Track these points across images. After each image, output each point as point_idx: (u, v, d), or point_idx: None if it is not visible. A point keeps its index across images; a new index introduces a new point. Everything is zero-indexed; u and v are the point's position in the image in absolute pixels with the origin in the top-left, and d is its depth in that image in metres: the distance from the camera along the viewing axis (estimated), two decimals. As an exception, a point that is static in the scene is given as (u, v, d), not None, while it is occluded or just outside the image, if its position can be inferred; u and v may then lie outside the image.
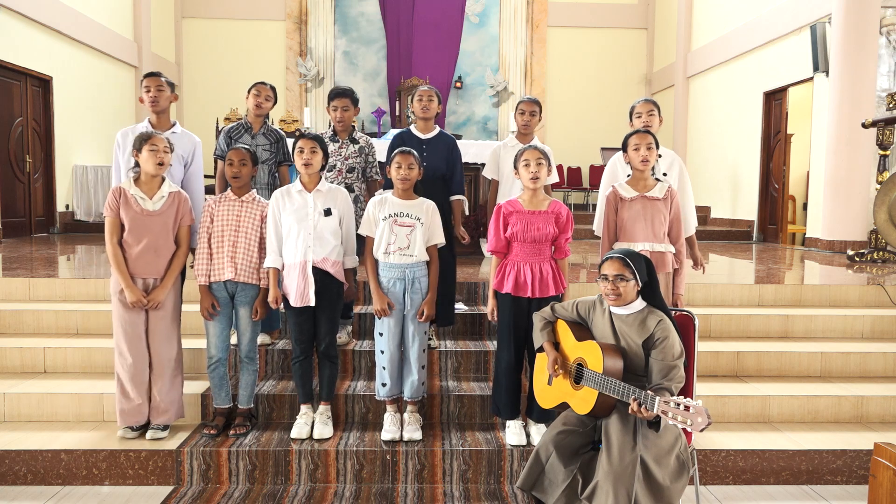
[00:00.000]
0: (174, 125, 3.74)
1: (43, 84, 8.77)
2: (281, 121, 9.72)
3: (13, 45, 8.03)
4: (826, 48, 7.75)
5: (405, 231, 3.32)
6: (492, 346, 4.10)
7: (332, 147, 3.96)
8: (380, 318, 3.37)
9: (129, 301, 3.25)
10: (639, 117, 3.66)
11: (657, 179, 3.42)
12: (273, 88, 4.13)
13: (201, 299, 3.37)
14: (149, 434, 3.35)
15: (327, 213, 3.35)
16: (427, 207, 3.38)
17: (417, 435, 3.37)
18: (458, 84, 12.96)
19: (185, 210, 3.38)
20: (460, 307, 4.51)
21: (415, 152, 3.38)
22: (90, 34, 9.72)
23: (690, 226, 3.73)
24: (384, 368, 3.38)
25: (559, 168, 12.18)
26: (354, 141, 4.02)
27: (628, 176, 3.45)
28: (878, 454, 2.45)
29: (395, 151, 3.38)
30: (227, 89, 12.17)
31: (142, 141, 3.24)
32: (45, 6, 8.56)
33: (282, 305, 3.45)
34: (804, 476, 3.34)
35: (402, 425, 3.42)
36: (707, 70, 11.02)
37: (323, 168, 3.44)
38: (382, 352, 3.38)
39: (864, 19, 7.26)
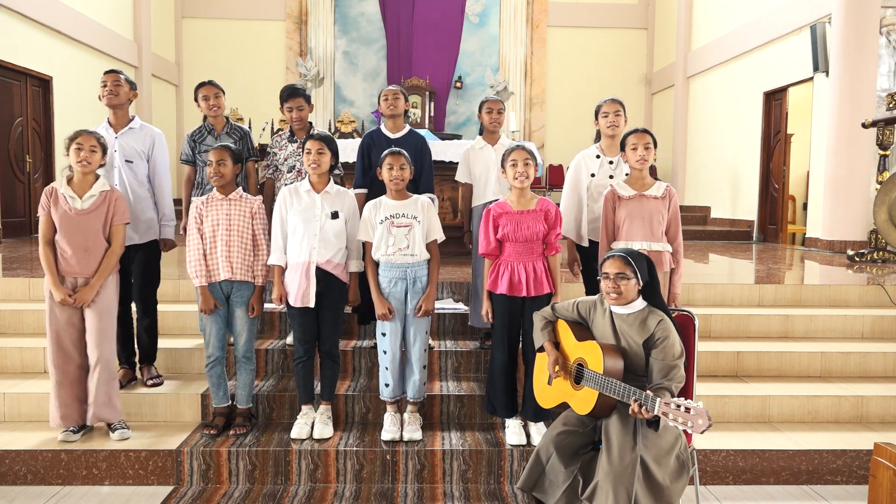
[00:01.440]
0: (132, 120, 3.72)
1: (43, 84, 8.77)
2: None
3: (13, 45, 8.03)
4: (826, 48, 7.75)
5: (403, 231, 3.32)
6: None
7: (290, 148, 3.97)
8: (383, 321, 3.37)
9: (56, 300, 3.23)
10: (605, 117, 3.62)
11: (655, 178, 3.41)
12: (216, 84, 4.03)
13: (203, 301, 3.36)
14: (115, 435, 3.32)
15: (334, 215, 3.35)
16: (422, 204, 3.38)
17: (417, 435, 3.37)
18: (458, 84, 12.96)
19: (119, 209, 3.33)
20: (459, 307, 4.51)
21: (405, 152, 3.37)
22: (90, 34, 9.72)
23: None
24: (387, 369, 3.38)
25: (559, 168, 12.18)
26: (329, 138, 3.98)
27: (611, 178, 3.45)
28: (878, 454, 2.45)
29: (386, 153, 3.37)
30: (227, 89, 12.02)
31: (69, 140, 3.25)
32: (45, 6, 8.55)
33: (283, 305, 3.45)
34: (804, 476, 3.34)
35: (402, 425, 3.42)
36: (707, 70, 11.02)
37: (332, 169, 3.44)
38: (385, 352, 3.38)
39: (864, 19, 7.26)
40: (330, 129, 10.02)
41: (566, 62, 13.13)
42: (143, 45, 11.28)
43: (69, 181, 3.30)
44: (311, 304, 3.32)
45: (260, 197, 3.53)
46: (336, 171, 4.07)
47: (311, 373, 3.46)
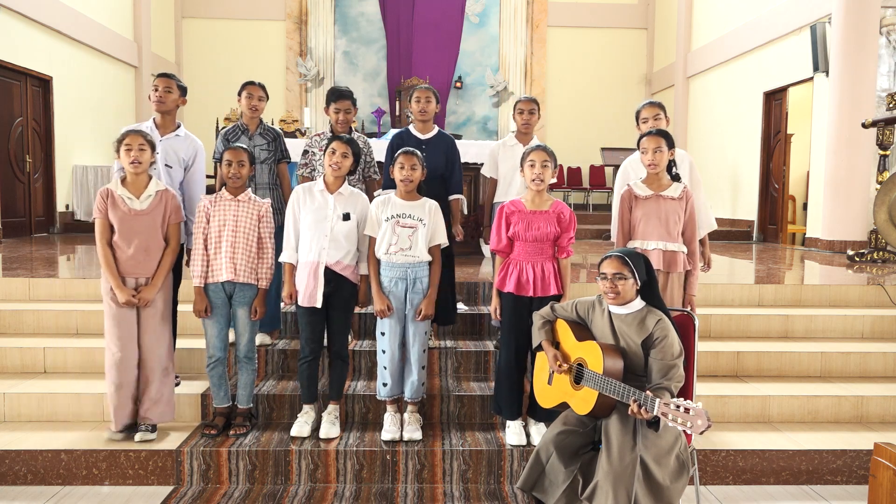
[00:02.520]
0: (178, 127, 3.73)
1: (43, 84, 8.77)
2: (281, 121, 9.72)
3: (13, 45, 8.03)
4: (826, 48, 7.75)
5: (407, 232, 3.32)
6: (492, 346, 4.10)
7: None
8: (381, 319, 3.37)
9: (120, 301, 3.24)
10: (645, 122, 3.65)
11: (673, 179, 3.39)
12: (263, 87, 4.07)
13: (195, 301, 3.36)
14: (137, 436, 3.32)
15: (346, 217, 3.35)
16: (430, 208, 3.38)
17: (417, 435, 3.37)
18: (458, 84, 12.96)
19: (174, 207, 3.36)
20: (461, 307, 4.52)
21: (418, 152, 3.38)
22: (90, 34, 9.72)
23: (703, 225, 3.65)
24: (385, 368, 3.38)
25: (560, 168, 12.17)
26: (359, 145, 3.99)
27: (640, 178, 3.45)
28: (878, 454, 2.45)
29: (399, 152, 3.37)
30: (227, 89, 12.09)
31: (118, 142, 3.25)
32: (45, 6, 8.56)
33: (290, 304, 3.46)
34: (804, 476, 3.34)
35: (402, 425, 3.42)
36: (707, 70, 11.02)
37: (352, 173, 3.45)
38: (384, 351, 3.38)
39: (864, 19, 7.26)
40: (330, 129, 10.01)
41: (566, 62, 13.13)
42: (143, 45, 11.28)
43: (123, 182, 3.30)
44: (318, 305, 3.32)
45: (268, 200, 3.52)
46: (375, 176, 4.07)
47: (315, 373, 3.46)
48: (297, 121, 9.92)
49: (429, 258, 3.38)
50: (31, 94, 8.54)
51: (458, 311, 4.36)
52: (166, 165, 3.65)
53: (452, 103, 13.01)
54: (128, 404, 3.33)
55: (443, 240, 3.42)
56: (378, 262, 3.38)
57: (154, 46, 11.68)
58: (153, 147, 3.32)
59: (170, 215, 3.35)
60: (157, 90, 3.63)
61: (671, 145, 3.28)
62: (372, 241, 3.38)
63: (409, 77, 12.21)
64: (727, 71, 10.43)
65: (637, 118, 3.72)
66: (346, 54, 13.00)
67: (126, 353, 3.29)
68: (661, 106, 3.69)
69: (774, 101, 9.18)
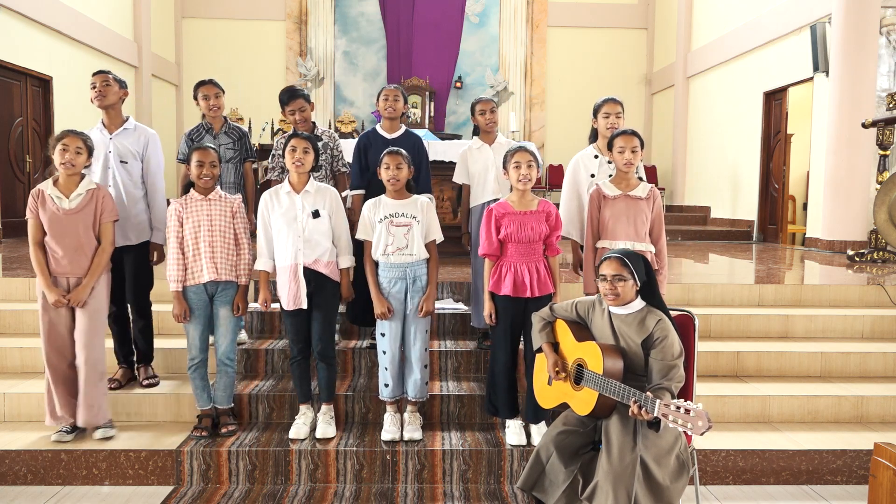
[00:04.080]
0: (126, 121, 3.67)
1: (43, 84, 8.77)
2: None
3: (13, 45, 8.03)
4: (826, 48, 7.75)
5: (402, 231, 3.31)
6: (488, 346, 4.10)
7: None
8: (382, 320, 3.37)
9: (49, 301, 3.22)
10: (606, 117, 3.62)
11: (640, 179, 3.43)
12: (216, 83, 4.00)
13: (174, 306, 3.32)
14: (97, 433, 3.30)
15: (315, 214, 3.32)
16: (422, 205, 3.38)
17: (418, 435, 3.37)
18: (458, 84, 12.96)
19: (107, 206, 3.31)
20: (459, 307, 4.51)
21: (403, 151, 3.35)
22: (90, 34, 9.72)
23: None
24: (386, 369, 3.38)
25: (559, 168, 12.17)
26: (318, 138, 3.94)
27: (609, 176, 3.46)
28: (878, 454, 2.45)
29: (384, 152, 3.36)
30: (227, 89, 12.00)
31: (56, 140, 3.23)
32: (44, 6, 8.56)
33: (277, 307, 3.44)
34: (804, 476, 3.34)
35: (401, 425, 3.42)
36: (707, 70, 11.02)
37: (314, 169, 3.42)
38: (384, 352, 3.38)
39: (864, 19, 7.26)
40: (330, 128, 10.01)
41: (566, 62, 13.13)
42: (143, 45, 11.27)
43: (55, 182, 3.28)
44: (304, 306, 3.32)
45: (239, 196, 3.49)
46: (344, 170, 4.06)
47: (306, 372, 3.45)
48: (296, 121, 9.90)
49: (426, 255, 3.37)
50: (31, 94, 8.54)
51: (458, 312, 4.35)
52: (121, 162, 3.60)
53: (452, 103, 13.01)
54: (65, 403, 3.30)
55: (437, 235, 3.41)
56: (375, 264, 3.37)
57: (154, 46, 11.67)
58: (90, 152, 3.30)
59: (101, 214, 3.29)
60: (94, 87, 3.56)
61: (643, 146, 3.31)
62: (368, 245, 3.37)
63: (409, 77, 12.20)
64: (727, 71, 10.42)
65: (596, 112, 3.68)
66: (346, 54, 13.00)
67: (59, 358, 3.26)
68: (622, 104, 3.67)
69: (774, 101, 9.18)
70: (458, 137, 10.09)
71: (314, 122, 4.07)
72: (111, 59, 10.46)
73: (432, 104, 12.13)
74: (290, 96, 3.92)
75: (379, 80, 12.95)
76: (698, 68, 11.28)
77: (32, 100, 8.56)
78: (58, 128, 9.00)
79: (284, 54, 12.88)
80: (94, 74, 3.61)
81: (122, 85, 3.68)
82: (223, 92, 4.03)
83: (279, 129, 9.21)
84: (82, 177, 3.30)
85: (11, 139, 8.15)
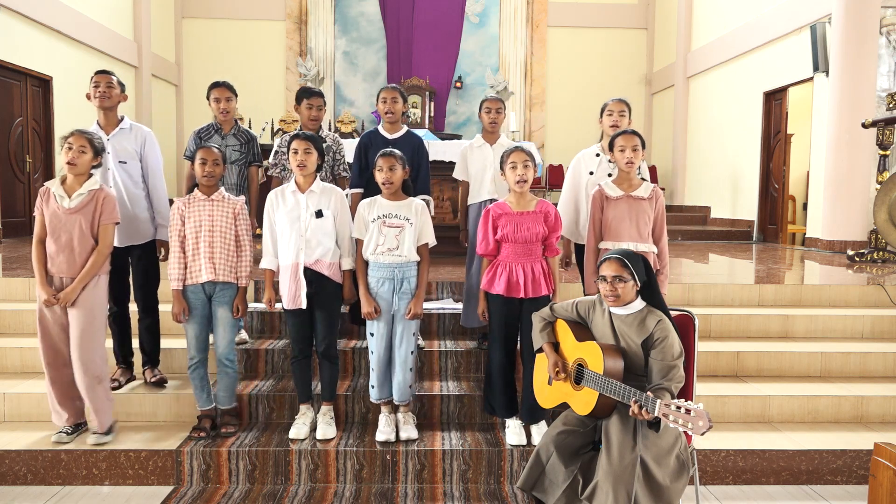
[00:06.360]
0: (122, 121, 3.67)
1: (43, 84, 8.77)
2: (281, 121, 9.72)
3: (13, 45, 8.03)
4: (826, 48, 7.75)
5: (394, 232, 3.31)
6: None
7: None
8: (369, 320, 3.37)
9: (40, 299, 3.22)
10: (609, 115, 3.66)
11: (642, 179, 3.43)
12: (230, 87, 4.02)
13: (173, 305, 3.33)
14: (91, 439, 3.28)
15: (318, 214, 3.32)
16: (416, 207, 3.37)
17: (414, 434, 3.37)
18: (458, 84, 12.96)
19: (107, 208, 3.28)
20: (459, 307, 4.51)
21: (397, 152, 3.36)
22: (90, 34, 9.72)
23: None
24: (373, 370, 3.38)
25: (559, 168, 12.17)
26: (321, 139, 3.96)
27: (609, 175, 3.46)
28: (878, 454, 2.45)
29: (378, 154, 3.36)
30: (227, 89, 12.13)
31: (63, 139, 3.24)
32: (45, 6, 8.55)
33: (280, 306, 3.45)
34: (804, 476, 3.34)
35: (397, 425, 3.42)
36: (707, 70, 11.02)
37: (319, 168, 3.42)
38: (372, 352, 3.38)
39: (864, 19, 7.26)
40: (330, 128, 10.01)
41: (566, 62, 13.13)
42: (143, 45, 11.27)
43: (63, 181, 3.28)
44: (303, 306, 3.31)
45: (242, 198, 3.49)
46: (345, 174, 4.07)
47: (307, 372, 3.45)
48: (296, 121, 9.89)
49: (417, 258, 3.37)
50: (31, 94, 8.54)
51: (458, 312, 4.34)
52: (120, 162, 3.60)
53: (452, 103, 13.01)
54: (65, 402, 3.30)
55: (430, 239, 3.40)
56: (366, 263, 3.37)
57: (154, 46, 11.67)
58: (97, 152, 3.28)
59: (101, 215, 3.26)
60: (98, 86, 3.55)
61: (644, 145, 3.32)
62: (359, 243, 3.37)
63: (409, 77, 12.20)
64: (727, 71, 10.42)
65: (602, 111, 3.72)
66: (346, 54, 13.00)
67: (56, 353, 3.26)
68: (628, 105, 3.69)
69: (774, 100, 9.18)
70: (458, 137, 10.10)
71: (320, 125, 4.08)
72: (111, 59, 10.45)
73: (432, 104, 12.12)
74: (312, 93, 3.96)
75: (379, 80, 12.95)
76: (698, 68, 11.28)
77: (32, 100, 8.56)
78: (57, 128, 9.01)
79: (284, 54, 12.88)
80: (98, 74, 3.61)
81: (122, 88, 3.69)
82: (235, 96, 4.05)
83: (279, 129, 9.21)
84: (89, 177, 3.31)
85: (11, 139, 8.15)
